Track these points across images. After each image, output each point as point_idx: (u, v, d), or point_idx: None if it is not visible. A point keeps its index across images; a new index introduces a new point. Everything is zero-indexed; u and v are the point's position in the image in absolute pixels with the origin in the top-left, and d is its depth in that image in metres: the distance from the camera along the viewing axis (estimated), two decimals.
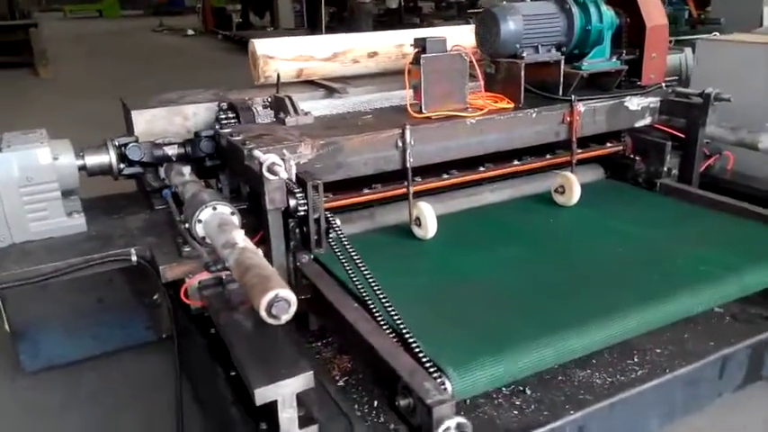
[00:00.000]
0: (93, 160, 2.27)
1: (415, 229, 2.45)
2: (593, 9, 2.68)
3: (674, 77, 3.52)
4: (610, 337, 1.85)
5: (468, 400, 1.99)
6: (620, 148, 2.97)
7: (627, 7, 2.83)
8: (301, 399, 1.64)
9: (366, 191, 2.44)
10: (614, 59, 2.77)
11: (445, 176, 2.60)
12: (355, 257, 1.93)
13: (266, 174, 1.87)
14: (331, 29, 12.52)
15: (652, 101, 2.87)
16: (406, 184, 2.40)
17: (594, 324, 1.84)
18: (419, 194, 2.62)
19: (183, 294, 1.92)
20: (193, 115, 2.67)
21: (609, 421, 2.01)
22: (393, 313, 1.73)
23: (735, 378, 2.31)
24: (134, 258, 2.04)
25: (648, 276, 2.10)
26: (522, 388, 2.05)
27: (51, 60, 11.37)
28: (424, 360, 1.59)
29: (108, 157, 2.28)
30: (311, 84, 3.04)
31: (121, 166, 2.30)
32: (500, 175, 2.74)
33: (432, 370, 1.57)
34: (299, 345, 1.99)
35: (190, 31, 17.33)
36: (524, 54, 2.60)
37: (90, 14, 25.23)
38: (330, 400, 1.76)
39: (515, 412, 1.96)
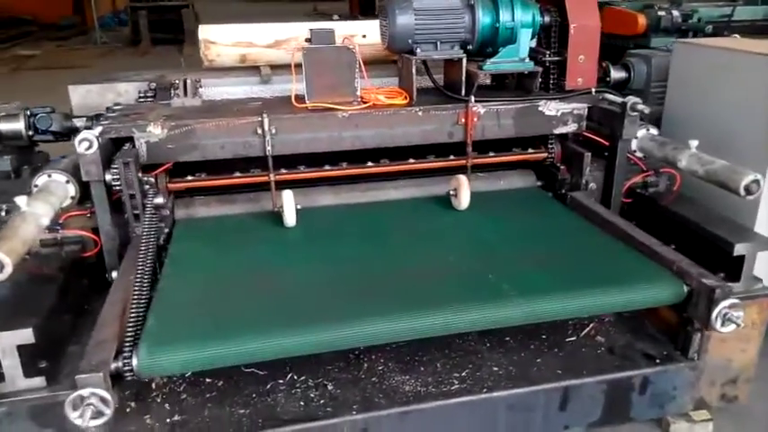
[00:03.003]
0: (5, 127, 2.60)
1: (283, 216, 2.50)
2: (503, 6, 2.51)
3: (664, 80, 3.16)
4: (332, 341, 1.80)
5: (269, 384, 2.06)
6: (543, 155, 2.77)
7: (559, 6, 2.61)
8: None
9: (238, 174, 2.54)
10: (528, 60, 2.57)
11: (327, 168, 2.61)
12: (151, 234, 2.05)
13: (78, 147, 2.05)
14: None
15: (576, 107, 2.62)
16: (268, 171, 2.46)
17: (334, 327, 1.80)
18: (314, 182, 2.68)
19: None
20: (125, 92, 2.92)
21: (402, 429, 1.97)
22: (142, 286, 1.84)
23: (587, 413, 2.15)
24: None
25: (441, 288, 1.99)
26: (325, 383, 2.07)
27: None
28: (128, 334, 1.69)
29: (20, 125, 2.60)
30: (255, 69, 3.17)
31: (30, 133, 2.61)
32: (389, 173, 2.68)
33: (128, 344, 1.66)
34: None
35: (335, 16, 18.04)
36: (419, 50, 2.51)
37: None
38: None
39: (302, 403, 1.99)
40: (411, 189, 2.76)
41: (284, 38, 3.15)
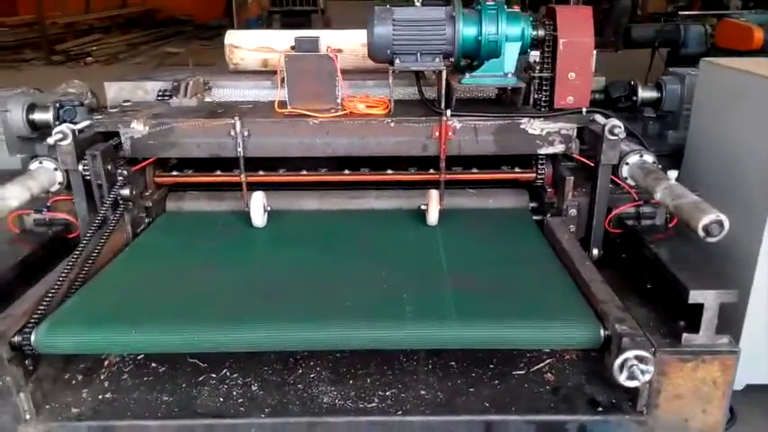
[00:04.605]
0: (39, 116, 2.90)
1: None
2: (488, 18, 2.41)
3: None
4: (221, 343, 1.84)
5: (203, 376, 2.14)
6: (532, 175, 2.62)
7: (554, 20, 2.46)
8: None
9: (219, 172, 2.67)
10: (512, 75, 2.44)
11: (304, 173, 2.68)
12: (109, 221, 2.24)
13: (51, 138, 2.27)
14: None
15: (564, 127, 2.45)
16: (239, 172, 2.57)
17: (226, 330, 1.85)
18: (296, 186, 2.75)
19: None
20: (152, 90, 3.14)
21: None
22: (78, 266, 2.01)
23: None
24: None
25: (348, 302, 1.98)
26: (252, 382, 2.13)
27: None
28: (38, 310, 1.85)
29: (49, 116, 2.90)
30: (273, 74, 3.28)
31: (57, 123, 2.90)
32: (366, 182, 2.68)
33: (34, 320, 1.83)
34: None
35: None
36: (397, 61, 2.49)
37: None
38: None
39: (221, 399, 2.04)
40: (394, 200, 2.73)
41: None
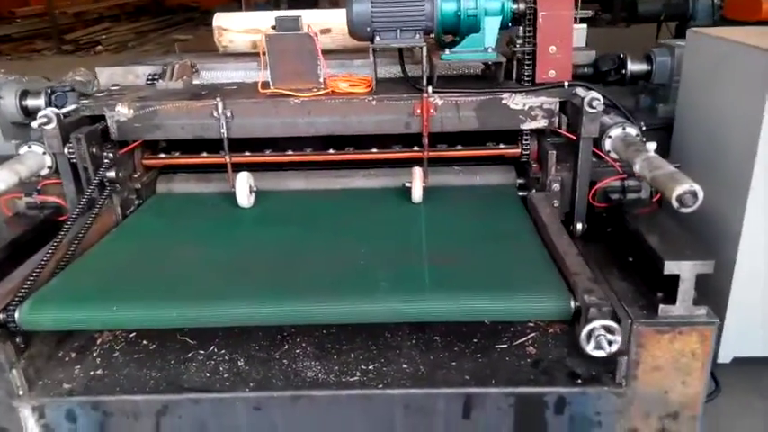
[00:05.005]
0: (31, 102, 2.95)
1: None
2: None
3: None
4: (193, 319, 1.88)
5: (191, 353, 2.19)
6: (516, 151, 2.61)
7: None
8: None
9: (205, 154, 2.69)
10: (492, 51, 2.43)
11: (290, 152, 2.70)
12: (95, 203, 2.28)
13: (35, 122, 2.31)
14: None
15: (546, 101, 2.44)
16: (223, 153, 2.59)
17: (206, 307, 1.89)
18: (287, 166, 2.78)
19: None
20: (143, 74, 3.17)
21: (293, 413, 2.02)
22: (62, 246, 2.06)
23: (495, 426, 2.04)
24: None
25: (324, 278, 2.00)
26: (239, 358, 2.17)
27: None
28: (22, 289, 1.90)
29: (41, 101, 2.94)
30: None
31: None
32: (352, 160, 2.69)
33: (18, 298, 1.87)
34: None
35: None
36: (377, 38, 2.49)
37: None
38: None
39: (207, 375, 2.08)
40: (380, 179, 2.75)
41: None
